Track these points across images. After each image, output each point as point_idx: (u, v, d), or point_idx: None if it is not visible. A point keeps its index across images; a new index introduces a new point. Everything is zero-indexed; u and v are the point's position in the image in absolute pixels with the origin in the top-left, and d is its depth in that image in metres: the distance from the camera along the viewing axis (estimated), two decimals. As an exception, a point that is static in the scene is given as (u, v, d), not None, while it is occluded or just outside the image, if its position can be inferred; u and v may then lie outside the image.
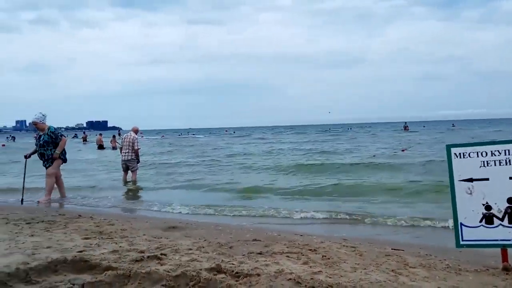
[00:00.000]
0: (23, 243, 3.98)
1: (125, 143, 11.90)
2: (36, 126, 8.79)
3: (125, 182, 11.87)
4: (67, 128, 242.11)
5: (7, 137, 64.28)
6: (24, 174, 9.07)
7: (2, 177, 14.37)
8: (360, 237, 5.47)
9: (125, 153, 11.83)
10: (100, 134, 35.71)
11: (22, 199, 8.57)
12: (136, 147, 11.86)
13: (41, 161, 8.84)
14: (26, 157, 8.97)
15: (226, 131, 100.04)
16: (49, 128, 8.73)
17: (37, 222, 5.46)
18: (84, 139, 46.35)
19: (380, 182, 10.58)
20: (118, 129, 51.53)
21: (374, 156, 18.40)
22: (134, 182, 11.78)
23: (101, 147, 31.28)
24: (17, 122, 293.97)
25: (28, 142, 54.02)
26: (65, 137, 8.98)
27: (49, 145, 8.65)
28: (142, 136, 51.53)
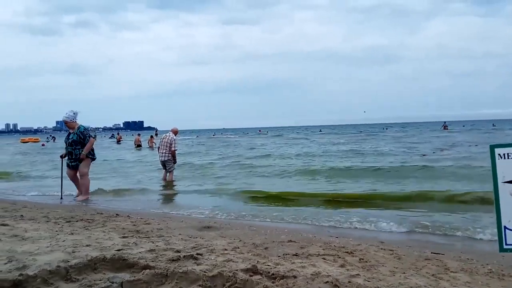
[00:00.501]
0: (64, 241, 4.08)
1: (163, 143, 12.02)
2: (66, 125, 8.85)
3: (165, 180, 12.04)
4: (104, 128, 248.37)
5: (47, 137, 66.32)
6: (62, 173, 9.28)
7: (41, 176, 14.86)
8: (397, 240, 5.34)
9: (163, 153, 11.95)
10: (139, 134, 36.79)
11: (61, 197, 8.93)
12: (173, 148, 11.96)
13: (69, 160, 8.88)
14: (61, 157, 9.19)
15: (260, 131, 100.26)
16: (79, 127, 8.74)
17: (76, 221, 5.59)
18: (118, 140, 47.24)
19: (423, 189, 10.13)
20: (155, 129, 51.94)
21: (424, 155, 17.86)
22: (171, 182, 11.90)
23: (139, 147, 32.12)
24: (57, 122, 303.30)
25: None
26: (93, 137, 8.97)
27: (78, 144, 8.67)
28: (197, 136, 52.55)
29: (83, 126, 8.79)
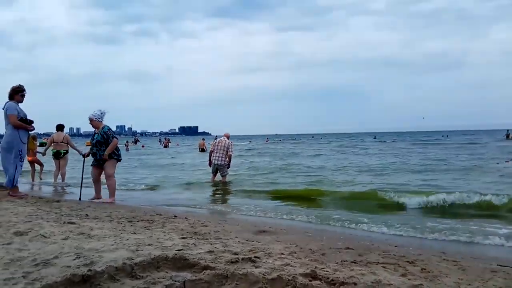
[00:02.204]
0: (127, 239, 4.24)
1: (218, 147, 12.14)
2: (91, 123, 8.62)
3: (214, 184, 12.18)
4: (161, 133, 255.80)
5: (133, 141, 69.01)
6: (82, 172, 9.34)
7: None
8: (460, 251, 5.12)
9: (219, 157, 12.06)
10: (203, 139, 38.44)
11: (80, 197, 8.79)
12: (230, 152, 12.11)
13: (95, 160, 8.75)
14: (84, 156, 9.20)
15: (313, 137, 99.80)
16: (103, 127, 8.59)
17: (138, 221, 5.79)
18: (165, 145, 48.23)
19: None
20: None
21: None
22: (224, 183, 12.07)
23: (203, 151, 33.59)
24: (117, 127, 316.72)
25: (121, 145, 58.02)
26: (116, 138, 8.76)
27: (102, 145, 8.50)
28: (250, 141, 53.38)
29: (107, 126, 8.68)
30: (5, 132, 8.11)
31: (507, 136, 51.85)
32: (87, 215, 6.12)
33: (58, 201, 7.78)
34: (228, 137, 12.63)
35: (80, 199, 8.66)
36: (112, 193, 8.68)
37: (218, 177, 12.48)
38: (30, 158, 13.42)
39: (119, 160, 8.80)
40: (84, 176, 9.37)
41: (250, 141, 69.67)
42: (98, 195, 8.88)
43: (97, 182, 8.87)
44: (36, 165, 13.78)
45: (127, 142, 48.83)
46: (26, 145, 8.27)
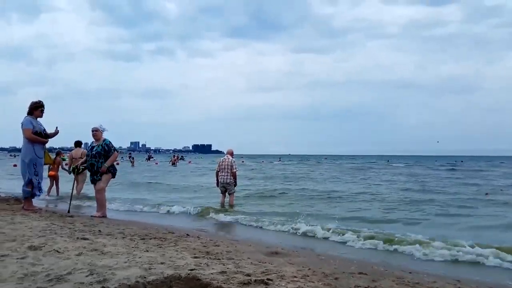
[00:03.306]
0: (140, 257, 4.24)
1: (223, 166, 12.11)
2: (96, 133, 8.57)
3: (223, 205, 12.06)
4: (174, 150, 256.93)
5: (122, 157, 68.94)
6: (73, 186, 9.35)
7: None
8: (478, 280, 5.01)
9: (224, 175, 12.04)
10: (174, 155, 38.37)
11: (69, 209, 8.81)
12: (234, 170, 12.07)
13: (90, 173, 8.67)
14: (76, 168, 9.26)
15: (326, 158, 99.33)
16: (104, 140, 8.55)
17: (150, 238, 5.79)
18: (173, 163, 47.18)
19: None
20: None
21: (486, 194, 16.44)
22: (232, 205, 11.96)
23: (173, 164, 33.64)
24: (131, 143, 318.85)
25: (139, 161, 58.41)
26: (117, 152, 8.81)
27: (101, 157, 8.40)
28: (243, 161, 52.46)
29: (108, 139, 8.62)
30: (22, 146, 8.26)
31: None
32: (100, 231, 6.15)
33: (71, 216, 7.83)
34: (231, 154, 12.49)
35: (69, 211, 8.69)
36: (101, 207, 8.61)
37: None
38: (52, 173, 13.61)
39: (114, 174, 8.72)
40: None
41: (263, 161, 69.44)
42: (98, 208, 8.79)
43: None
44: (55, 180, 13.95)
45: (132, 158, 48.86)
46: (42, 159, 8.38)
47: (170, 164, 47.23)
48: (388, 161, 76.50)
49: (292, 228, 8.39)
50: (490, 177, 28.60)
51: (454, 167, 45.83)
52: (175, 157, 52.19)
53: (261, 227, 8.83)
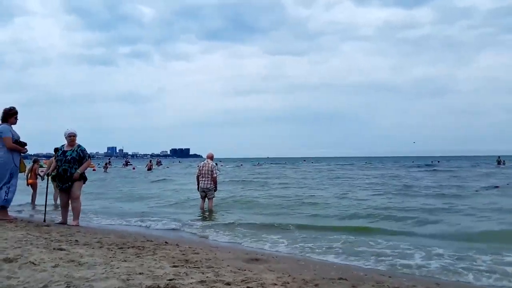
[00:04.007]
0: (118, 268, 4.18)
1: (203, 171, 11.98)
2: (72, 139, 8.43)
3: (203, 210, 12.01)
4: (152, 155, 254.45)
5: (99, 163, 67.78)
6: (47, 192, 9.09)
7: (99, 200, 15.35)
8: (455, 283, 5.11)
9: (204, 181, 11.94)
10: (150, 161, 37.78)
11: (44, 218, 8.75)
12: (214, 175, 11.98)
13: (60, 180, 8.39)
14: (48, 175, 8.98)
15: (304, 160, 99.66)
16: (79, 145, 8.44)
17: (128, 247, 5.72)
18: (149, 168, 47.36)
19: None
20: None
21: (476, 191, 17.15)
22: (211, 210, 11.90)
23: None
24: (108, 148, 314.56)
25: (117, 167, 57.72)
26: (91, 158, 8.79)
27: (75, 163, 8.26)
28: (221, 165, 52.26)
29: (82, 145, 8.50)
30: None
31: (498, 162, 52.25)
32: (77, 240, 6.04)
33: (48, 226, 7.69)
34: (211, 158, 12.39)
35: (44, 221, 8.59)
36: (77, 216, 8.50)
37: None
38: (31, 181, 13.37)
39: (85, 180, 8.60)
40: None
41: (241, 165, 69.40)
42: (64, 220, 8.62)
43: (65, 207, 8.65)
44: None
45: (105, 163, 48.55)
46: (18, 167, 8.21)
47: (146, 169, 47.10)
48: (366, 162, 77.28)
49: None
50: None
51: (435, 168, 46.25)
52: (151, 162, 51.89)
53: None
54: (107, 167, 45.46)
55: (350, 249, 6.99)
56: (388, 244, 7.34)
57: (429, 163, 61.40)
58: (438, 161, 71.49)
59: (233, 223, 9.90)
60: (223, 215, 11.53)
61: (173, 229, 9.28)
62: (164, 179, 29.76)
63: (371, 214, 11.32)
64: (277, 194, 17.48)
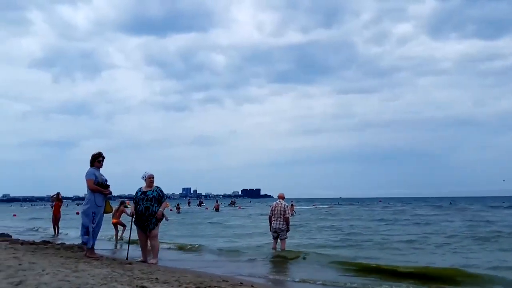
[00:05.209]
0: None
1: (276, 211, 11.93)
2: (152, 180, 9.00)
3: (275, 251, 11.93)
4: (224, 196, 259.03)
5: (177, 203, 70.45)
6: (130, 231, 9.53)
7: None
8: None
9: (277, 221, 11.86)
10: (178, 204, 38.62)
11: (127, 256, 9.16)
12: (287, 215, 11.90)
13: (141, 219, 8.83)
14: (132, 215, 9.14)
15: (380, 201, 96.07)
16: (157, 186, 9.01)
17: (205, 287, 5.91)
18: (217, 208, 49.30)
19: None
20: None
21: None
22: (283, 251, 11.77)
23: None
24: (183, 189, 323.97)
25: (191, 207, 59.52)
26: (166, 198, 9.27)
27: (156, 202, 8.80)
28: (292, 205, 52.01)
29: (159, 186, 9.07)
30: (85, 196, 8.75)
31: None
32: (157, 278, 6.32)
33: (130, 263, 8.10)
34: (283, 198, 12.34)
35: (127, 258, 9.00)
36: (156, 254, 8.98)
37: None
38: (114, 221, 14.51)
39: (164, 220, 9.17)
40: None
41: (315, 205, 68.26)
42: (145, 258, 9.09)
43: (145, 245, 9.15)
44: (119, 226, 14.74)
45: (178, 204, 51.05)
46: (103, 208, 8.78)
47: (214, 210, 48.91)
48: (450, 203, 71.01)
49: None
50: None
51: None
52: (217, 203, 54.18)
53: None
54: (179, 208, 47.36)
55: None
56: None
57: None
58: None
59: (306, 264, 9.79)
60: (295, 255, 11.34)
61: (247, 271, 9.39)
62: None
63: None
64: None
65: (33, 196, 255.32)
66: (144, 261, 8.94)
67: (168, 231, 18.65)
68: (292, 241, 13.65)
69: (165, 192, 9.15)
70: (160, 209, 8.83)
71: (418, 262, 10.14)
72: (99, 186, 8.55)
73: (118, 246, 13.48)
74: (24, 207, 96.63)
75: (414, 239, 15.70)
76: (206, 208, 56.12)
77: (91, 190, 8.48)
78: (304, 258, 10.96)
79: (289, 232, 12.21)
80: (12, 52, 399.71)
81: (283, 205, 12.00)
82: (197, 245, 13.61)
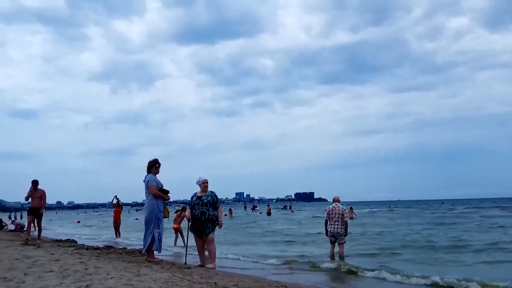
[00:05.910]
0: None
1: (334, 215, 11.60)
2: (206, 185, 9.11)
3: (333, 256, 11.66)
4: (277, 199, 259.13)
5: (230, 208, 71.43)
6: (187, 235, 9.55)
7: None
8: None
9: (335, 225, 11.54)
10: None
11: (185, 260, 9.37)
12: (346, 219, 11.59)
13: (197, 223, 8.89)
14: (189, 219, 9.12)
15: (443, 203, 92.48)
16: (212, 191, 9.10)
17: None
18: (268, 212, 49.41)
19: None
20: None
21: None
22: (342, 256, 11.47)
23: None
24: (236, 194, 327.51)
25: (244, 212, 60.12)
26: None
27: (211, 206, 8.87)
28: (351, 208, 50.94)
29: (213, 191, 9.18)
30: (145, 202, 8.97)
31: None
32: (215, 283, 6.37)
33: (189, 268, 8.23)
34: (338, 201, 11.96)
35: (185, 263, 9.20)
36: (213, 259, 9.00)
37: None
38: (175, 226, 14.96)
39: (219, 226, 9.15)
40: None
41: (372, 209, 66.78)
42: (203, 263, 9.18)
43: (202, 250, 9.23)
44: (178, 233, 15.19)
45: (230, 209, 52.98)
46: (163, 213, 8.97)
47: (266, 214, 49.46)
48: None
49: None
50: None
51: None
52: (269, 207, 54.70)
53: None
54: (232, 213, 48.62)
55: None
56: None
57: None
58: None
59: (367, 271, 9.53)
60: (354, 261, 11.06)
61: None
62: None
63: None
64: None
65: (95, 203, 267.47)
66: (202, 265, 9.04)
67: (222, 235, 18.80)
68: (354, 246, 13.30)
69: (218, 197, 9.22)
70: (220, 219, 8.98)
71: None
72: (160, 192, 8.76)
73: (176, 250, 13.76)
74: (87, 213, 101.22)
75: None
76: (260, 213, 57.33)
77: (154, 195, 8.68)
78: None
79: (347, 236, 11.91)
80: (73, 67, 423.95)
81: (341, 208, 11.69)
82: (255, 253, 13.53)
